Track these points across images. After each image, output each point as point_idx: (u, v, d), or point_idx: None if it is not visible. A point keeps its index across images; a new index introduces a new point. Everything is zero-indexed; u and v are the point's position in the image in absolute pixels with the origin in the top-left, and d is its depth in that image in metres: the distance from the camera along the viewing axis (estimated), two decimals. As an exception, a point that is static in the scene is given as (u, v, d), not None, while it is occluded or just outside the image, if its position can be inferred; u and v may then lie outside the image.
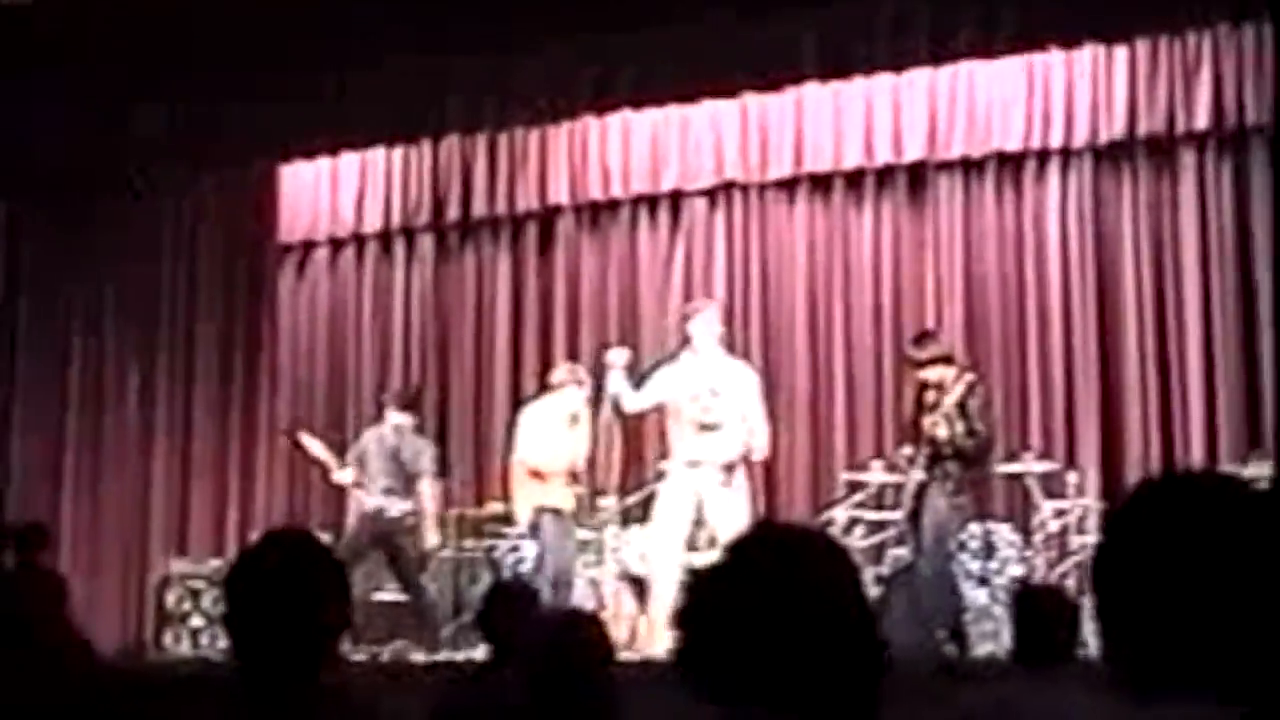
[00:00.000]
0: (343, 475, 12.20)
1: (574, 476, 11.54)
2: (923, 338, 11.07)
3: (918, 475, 10.31)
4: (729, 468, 10.93)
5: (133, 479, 14.93)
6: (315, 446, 12.48)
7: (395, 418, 12.30)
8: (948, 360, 10.58)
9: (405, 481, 12.03)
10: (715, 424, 10.99)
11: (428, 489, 12.12)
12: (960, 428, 10.22)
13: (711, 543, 10.78)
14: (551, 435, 11.55)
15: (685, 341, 11.42)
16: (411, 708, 4.97)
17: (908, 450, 10.54)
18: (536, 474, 11.49)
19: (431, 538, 12.11)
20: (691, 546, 10.98)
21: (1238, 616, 1.90)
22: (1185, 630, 1.92)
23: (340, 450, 12.43)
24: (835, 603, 2.25)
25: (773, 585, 2.24)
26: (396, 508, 11.93)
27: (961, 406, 10.24)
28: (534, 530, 11.47)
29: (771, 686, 2.19)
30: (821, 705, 2.19)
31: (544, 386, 12.36)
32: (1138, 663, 1.91)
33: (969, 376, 10.53)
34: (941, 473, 10.21)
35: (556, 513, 11.40)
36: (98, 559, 14.94)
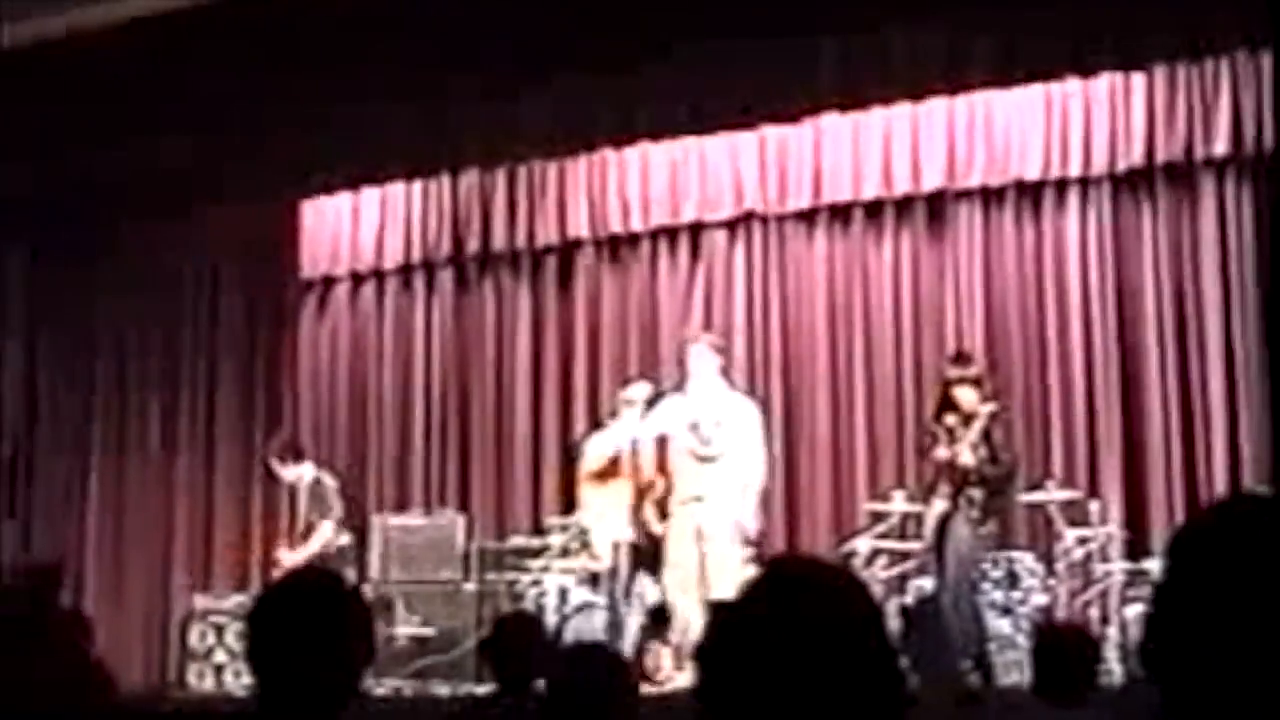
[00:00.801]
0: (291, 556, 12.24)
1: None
2: (961, 357, 11.11)
3: (940, 505, 10.31)
4: (729, 499, 10.95)
5: (156, 515, 14.95)
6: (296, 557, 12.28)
7: (307, 470, 12.50)
8: (979, 383, 10.60)
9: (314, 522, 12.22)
10: (714, 456, 11.01)
11: (329, 530, 12.29)
12: (984, 453, 10.22)
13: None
14: None
15: (683, 372, 11.49)
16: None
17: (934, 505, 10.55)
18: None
19: None
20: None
21: None
22: (1250, 666, 1.84)
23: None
24: (855, 639, 2.24)
25: (792, 621, 2.23)
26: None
27: (986, 435, 10.26)
28: None
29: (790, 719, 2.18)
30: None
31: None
32: (1194, 696, 1.85)
33: (992, 405, 10.53)
34: (965, 501, 10.21)
35: None
36: (122, 595, 14.95)
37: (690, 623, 10.62)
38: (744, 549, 11.10)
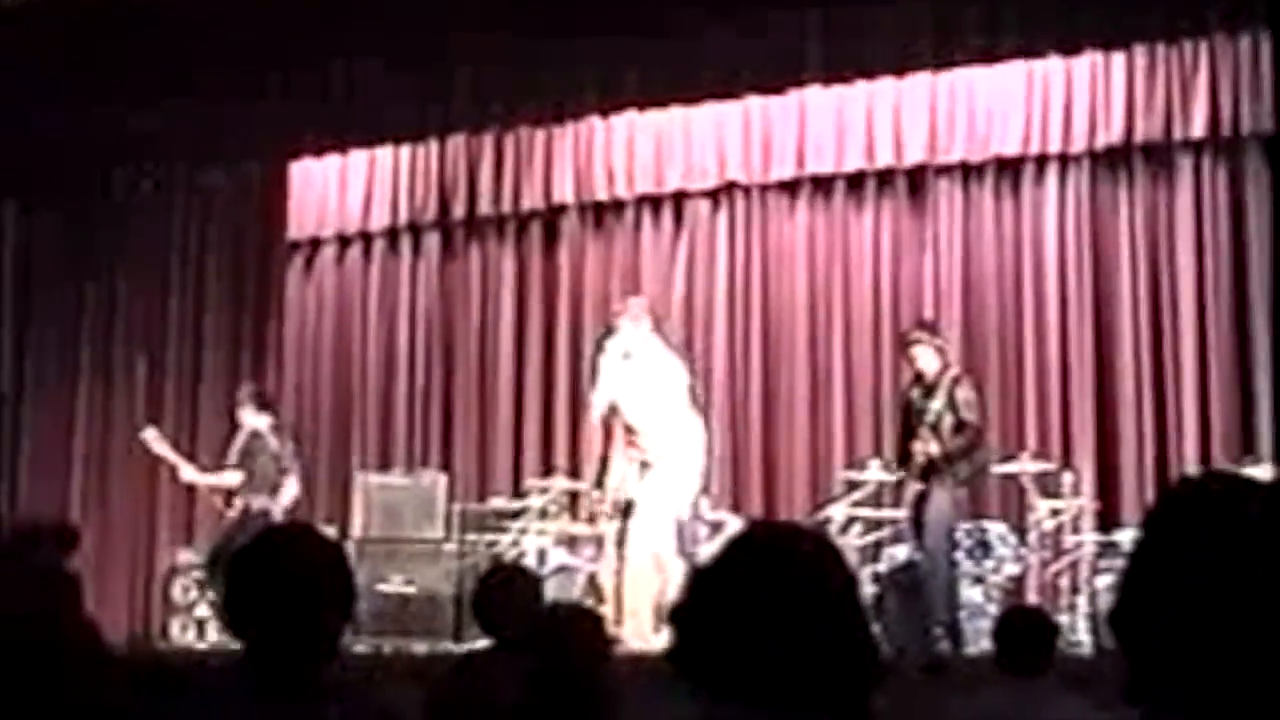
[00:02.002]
0: (191, 474, 12.87)
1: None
2: (925, 324, 11.23)
3: (916, 486, 10.40)
4: (650, 462, 10.94)
5: (140, 471, 14.93)
6: (162, 447, 13.02)
7: (258, 419, 12.65)
8: (941, 350, 10.67)
9: (277, 479, 12.45)
10: (644, 424, 11.00)
11: (292, 487, 12.54)
12: (949, 424, 10.27)
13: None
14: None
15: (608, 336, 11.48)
16: (412, 699, 4.99)
17: (899, 474, 10.65)
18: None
19: None
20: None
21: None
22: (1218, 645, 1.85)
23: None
24: (827, 602, 2.26)
25: (765, 584, 2.25)
26: (279, 507, 12.27)
27: (950, 403, 10.31)
28: None
29: (764, 684, 2.20)
30: (814, 703, 2.20)
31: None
32: (1159, 677, 1.86)
33: (953, 371, 10.60)
34: (941, 477, 10.28)
35: None
36: (107, 550, 14.93)
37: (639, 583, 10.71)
38: (682, 523, 11.08)
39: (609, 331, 11.66)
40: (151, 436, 13.17)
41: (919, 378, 10.62)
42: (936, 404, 10.35)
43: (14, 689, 2.37)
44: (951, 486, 10.33)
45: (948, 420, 10.30)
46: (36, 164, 15.39)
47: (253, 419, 12.66)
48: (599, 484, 11.58)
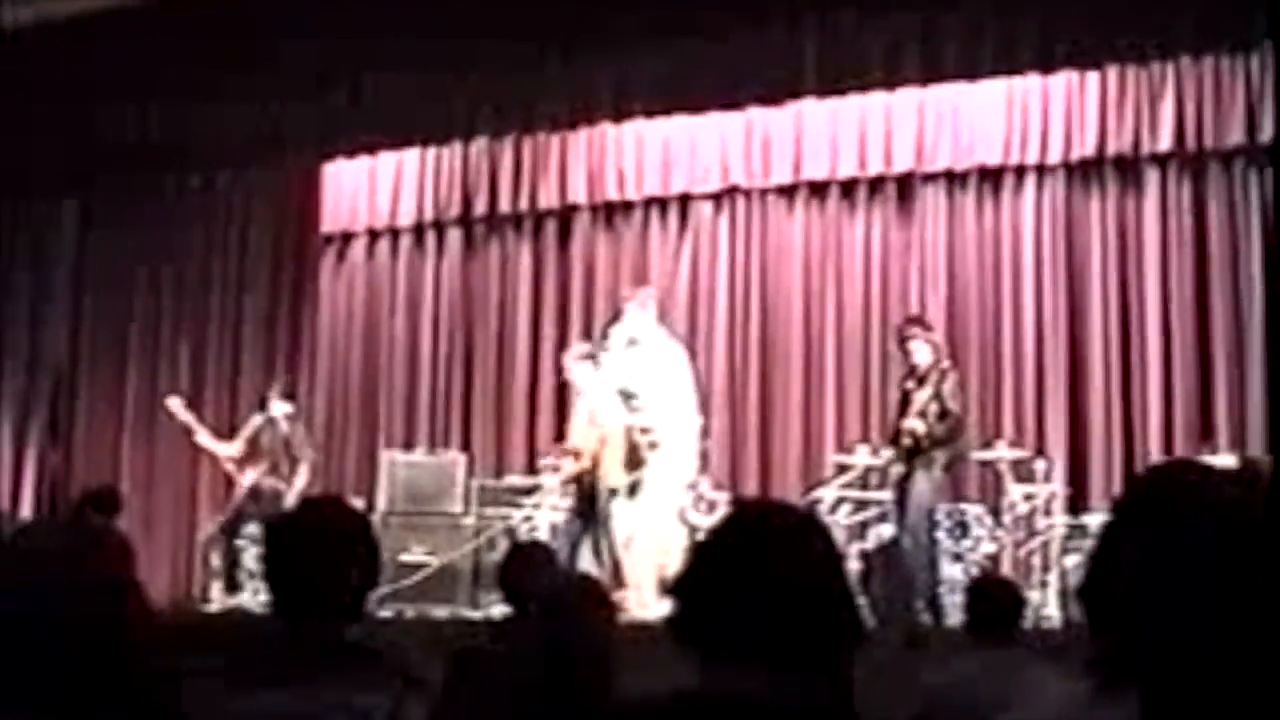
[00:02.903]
0: (205, 439, 13.16)
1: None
2: (917, 318, 11.23)
3: (899, 469, 10.39)
4: (656, 444, 10.92)
5: (184, 446, 14.93)
6: (183, 413, 13.33)
7: (280, 407, 12.88)
8: (934, 345, 10.66)
9: (290, 464, 12.64)
10: (645, 408, 10.97)
11: (305, 471, 12.70)
12: (934, 411, 10.27)
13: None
14: None
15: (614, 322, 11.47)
16: (434, 662, 4.99)
17: (888, 453, 10.62)
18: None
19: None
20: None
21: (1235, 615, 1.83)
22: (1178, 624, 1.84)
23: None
24: (815, 576, 2.28)
25: (755, 555, 2.27)
26: (292, 491, 12.41)
27: (937, 393, 10.31)
28: None
29: (755, 646, 2.22)
30: (799, 662, 2.22)
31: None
32: (1122, 650, 1.87)
33: (943, 364, 10.60)
34: (924, 461, 10.28)
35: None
36: (152, 520, 14.96)
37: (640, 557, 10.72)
38: (684, 494, 11.06)
39: (615, 318, 11.63)
40: (175, 404, 13.45)
41: (913, 370, 10.61)
42: (924, 394, 10.36)
43: (84, 648, 2.38)
44: (932, 470, 10.33)
45: (933, 408, 10.30)
46: (93, 167, 15.46)
47: (275, 406, 12.90)
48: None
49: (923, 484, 10.30)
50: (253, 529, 12.69)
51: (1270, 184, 11.93)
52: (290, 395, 13.27)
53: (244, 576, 12.71)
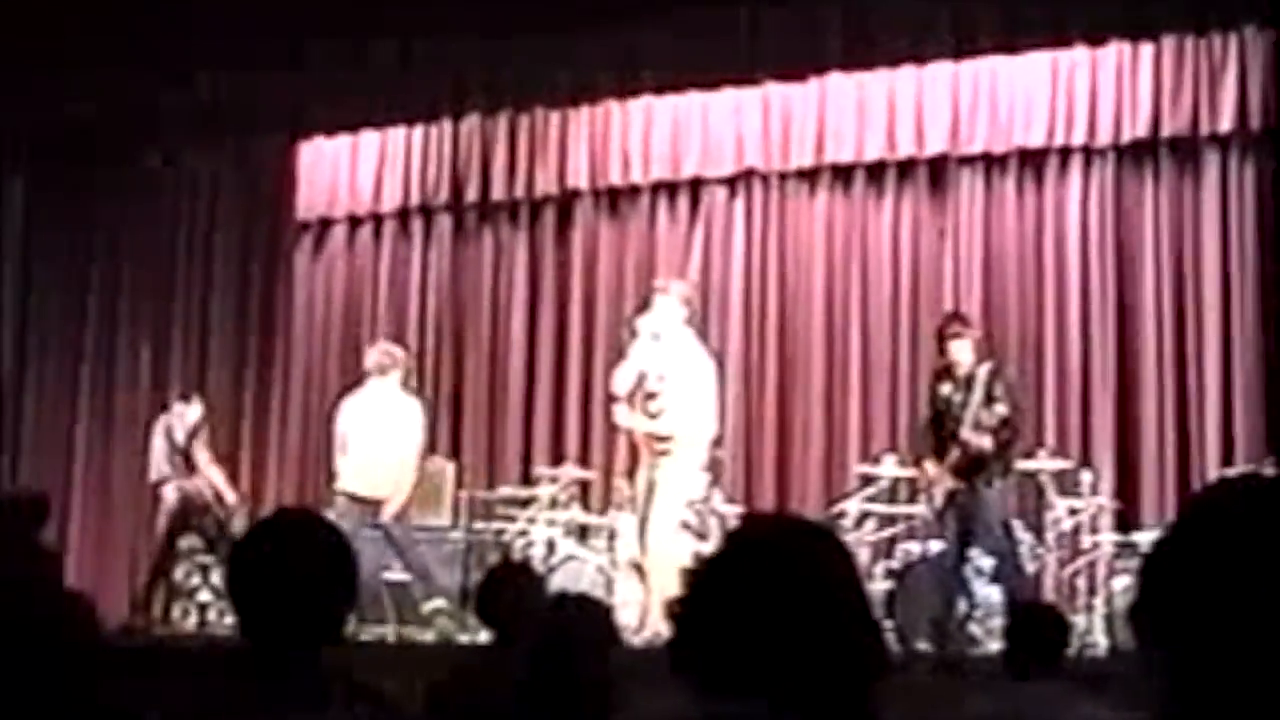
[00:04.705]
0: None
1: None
2: (957, 316, 11.19)
3: (949, 484, 10.31)
4: (667, 451, 10.91)
5: (143, 454, 14.94)
6: None
7: (183, 410, 13.31)
8: (975, 344, 10.64)
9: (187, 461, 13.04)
10: (659, 410, 10.95)
11: (204, 459, 13.20)
12: (988, 419, 10.20)
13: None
14: None
15: (644, 311, 11.43)
16: (414, 689, 5.00)
17: (931, 469, 10.51)
18: None
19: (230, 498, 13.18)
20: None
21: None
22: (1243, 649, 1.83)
23: None
24: (825, 595, 2.26)
25: (761, 576, 2.25)
26: (194, 487, 12.94)
27: (989, 396, 10.27)
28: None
29: (759, 677, 2.20)
30: (810, 697, 2.20)
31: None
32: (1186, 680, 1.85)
33: (989, 364, 10.56)
34: (986, 476, 10.24)
35: None
36: (107, 532, 14.97)
37: (630, 593, 10.75)
38: (687, 509, 11.06)
39: (645, 306, 11.60)
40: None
41: (948, 371, 10.55)
42: (975, 397, 10.30)
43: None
44: (994, 483, 10.29)
45: (986, 415, 10.24)
46: (42, 139, 15.41)
47: (176, 410, 13.34)
48: (630, 476, 11.55)
49: (992, 498, 10.27)
50: (192, 542, 12.90)
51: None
52: (182, 396, 13.58)
53: (207, 597, 12.78)
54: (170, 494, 12.94)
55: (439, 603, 11.91)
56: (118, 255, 15.77)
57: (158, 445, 13.11)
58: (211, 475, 13.17)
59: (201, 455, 13.18)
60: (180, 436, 13.08)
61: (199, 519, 12.86)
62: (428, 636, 11.78)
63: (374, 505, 11.93)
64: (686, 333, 11.17)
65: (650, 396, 10.99)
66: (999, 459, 10.31)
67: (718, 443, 11.68)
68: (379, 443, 12.03)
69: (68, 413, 15.69)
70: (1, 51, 14.17)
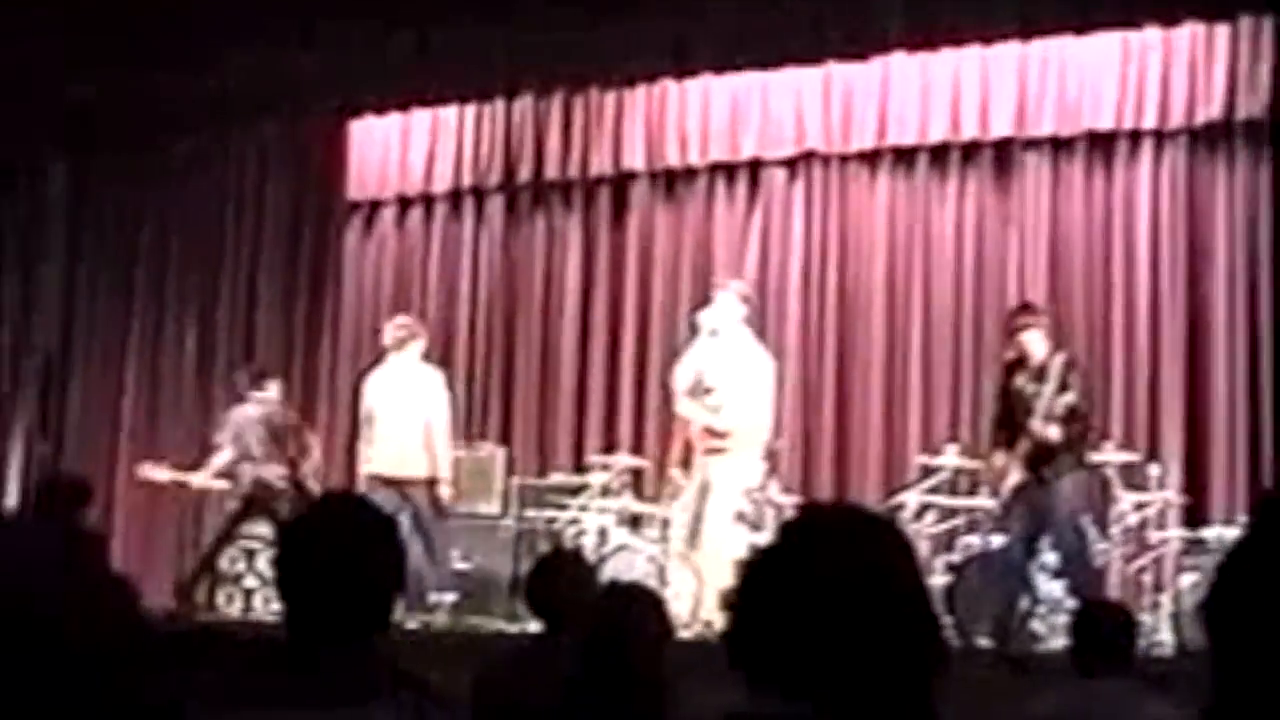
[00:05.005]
0: (200, 479, 13.45)
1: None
2: (1028, 307, 11.15)
3: (1017, 477, 10.30)
4: (724, 449, 10.97)
5: (190, 436, 15.02)
6: (162, 474, 13.76)
7: (258, 395, 13.22)
8: (1047, 333, 10.61)
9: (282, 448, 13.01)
10: (717, 405, 11.02)
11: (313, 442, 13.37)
12: (1061, 410, 10.18)
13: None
14: None
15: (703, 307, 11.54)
16: (461, 678, 5.00)
17: (1000, 459, 10.51)
18: None
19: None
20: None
21: None
22: None
23: None
24: (887, 587, 2.24)
25: (821, 568, 2.23)
26: (274, 474, 12.83)
27: (1063, 386, 10.24)
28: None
29: (819, 673, 2.19)
30: (872, 694, 2.18)
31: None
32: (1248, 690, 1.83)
33: (1064, 355, 10.53)
34: (1054, 469, 10.22)
35: None
36: (153, 517, 15.04)
37: (683, 584, 10.78)
38: (746, 503, 11.12)
39: (704, 301, 11.64)
40: (149, 470, 13.87)
41: (1021, 362, 10.53)
42: (1049, 388, 10.27)
43: (33, 651, 2.38)
44: (1064, 476, 10.27)
45: (1060, 405, 10.22)
46: (85, 121, 15.48)
47: (253, 397, 13.22)
48: (684, 464, 11.58)
49: (1066, 490, 10.26)
50: (262, 529, 12.83)
51: None
52: (261, 376, 13.47)
53: (253, 583, 12.84)
54: (246, 477, 12.90)
55: (450, 597, 11.99)
56: (165, 238, 15.83)
57: (252, 429, 12.98)
58: (315, 458, 13.21)
59: (310, 438, 13.31)
60: (280, 421, 13.11)
61: (274, 504, 12.79)
62: (476, 626, 11.82)
63: (406, 485, 11.98)
64: (745, 331, 11.32)
65: (708, 392, 11.07)
66: (1070, 451, 10.29)
67: (775, 435, 11.71)
68: (405, 420, 12.13)
69: (113, 397, 15.77)
70: (46, 32, 14.23)
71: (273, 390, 13.30)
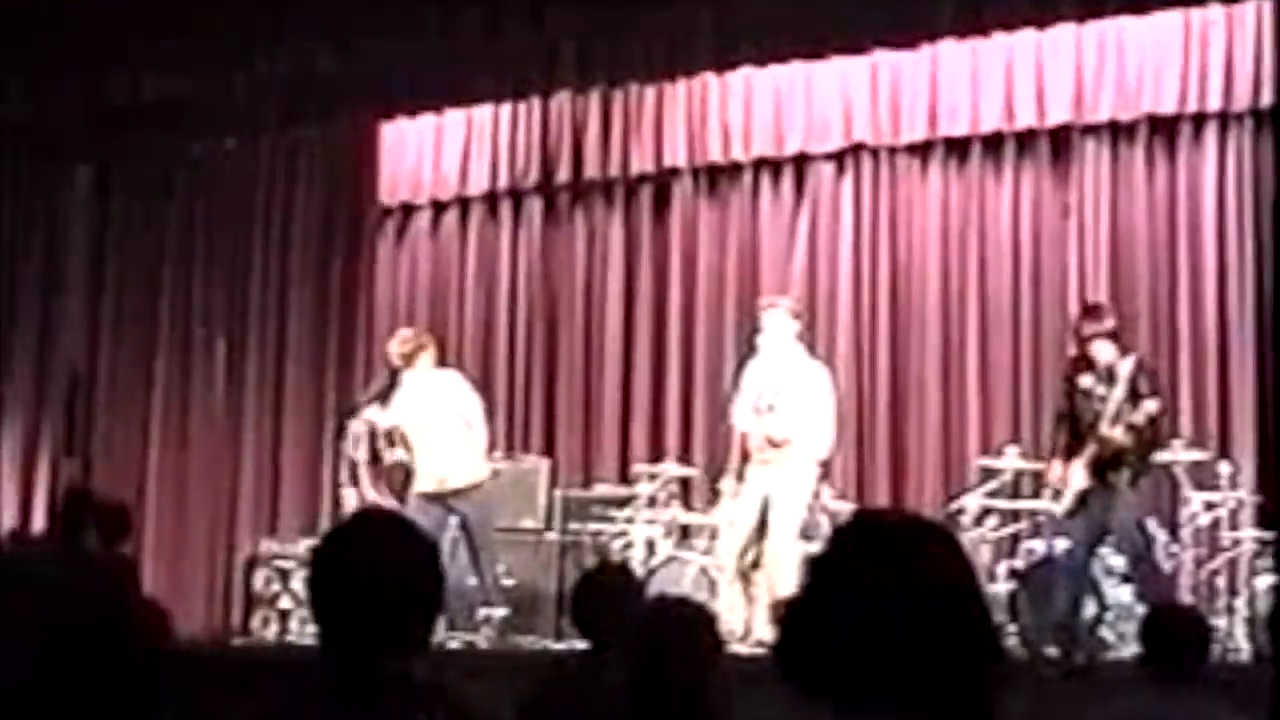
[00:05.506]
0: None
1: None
2: (1094, 310, 11.08)
3: (1081, 482, 10.27)
4: (783, 460, 11.01)
5: (221, 455, 15.08)
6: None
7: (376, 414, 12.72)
8: (1115, 336, 10.56)
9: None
10: (777, 421, 11.08)
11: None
12: (1130, 414, 10.15)
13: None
14: None
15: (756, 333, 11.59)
16: (506, 698, 5.00)
17: (1060, 465, 10.48)
18: None
19: None
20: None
21: None
22: None
23: None
24: (942, 596, 2.24)
25: (874, 576, 2.23)
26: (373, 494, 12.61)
27: (1134, 390, 10.20)
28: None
29: (872, 682, 2.19)
30: (928, 705, 2.18)
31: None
32: None
33: (1134, 356, 10.49)
34: (1118, 475, 10.20)
35: None
36: (184, 538, 15.10)
37: (735, 597, 10.82)
38: (807, 518, 11.15)
39: (752, 305, 11.66)
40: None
41: (1088, 362, 10.49)
42: (1118, 391, 10.24)
43: (77, 680, 2.39)
44: (1126, 483, 10.24)
45: (1131, 410, 10.19)
46: (111, 127, 15.54)
47: (370, 414, 12.82)
48: (739, 476, 11.61)
49: (1130, 499, 10.24)
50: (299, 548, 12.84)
51: None
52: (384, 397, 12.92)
53: (288, 604, 12.87)
54: (351, 503, 12.58)
55: (500, 612, 11.96)
56: (192, 245, 15.87)
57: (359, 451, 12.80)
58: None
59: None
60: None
61: None
62: (519, 644, 11.83)
63: (453, 496, 11.90)
64: (798, 348, 11.33)
65: (770, 409, 11.12)
66: (1138, 455, 10.25)
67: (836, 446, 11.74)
68: (442, 431, 11.98)
69: (141, 413, 15.81)
70: (74, 30, 14.31)
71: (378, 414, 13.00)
